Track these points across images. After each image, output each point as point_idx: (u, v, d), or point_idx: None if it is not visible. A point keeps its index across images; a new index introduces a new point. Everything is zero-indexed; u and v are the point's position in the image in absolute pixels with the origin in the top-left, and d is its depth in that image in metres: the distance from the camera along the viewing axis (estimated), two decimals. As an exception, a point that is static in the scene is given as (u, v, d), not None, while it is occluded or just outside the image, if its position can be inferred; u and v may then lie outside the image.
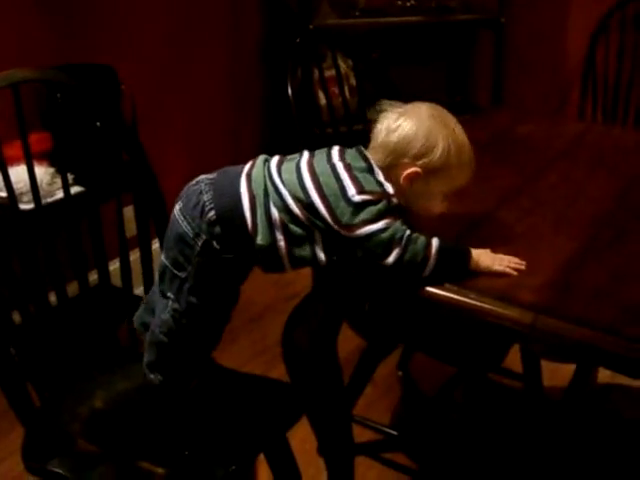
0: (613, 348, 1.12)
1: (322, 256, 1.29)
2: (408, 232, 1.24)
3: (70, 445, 1.41)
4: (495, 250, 1.29)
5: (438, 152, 1.28)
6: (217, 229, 1.29)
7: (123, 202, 1.66)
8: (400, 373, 2.41)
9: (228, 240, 1.30)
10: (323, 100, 2.19)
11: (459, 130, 1.32)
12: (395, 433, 2.14)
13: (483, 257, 1.26)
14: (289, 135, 1.95)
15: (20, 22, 2.30)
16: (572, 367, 2.25)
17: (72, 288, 1.59)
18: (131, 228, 1.64)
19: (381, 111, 1.33)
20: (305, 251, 1.29)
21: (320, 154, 1.34)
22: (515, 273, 1.25)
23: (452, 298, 1.21)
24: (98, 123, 2.10)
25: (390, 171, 1.29)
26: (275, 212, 1.28)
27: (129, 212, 1.63)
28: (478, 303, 1.19)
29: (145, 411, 1.49)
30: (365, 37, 2.60)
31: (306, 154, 1.35)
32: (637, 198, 1.61)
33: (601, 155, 1.88)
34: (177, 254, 1.36)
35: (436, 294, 1.22)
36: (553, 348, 1.33)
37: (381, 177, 1.28)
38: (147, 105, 2.49)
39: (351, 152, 1.33)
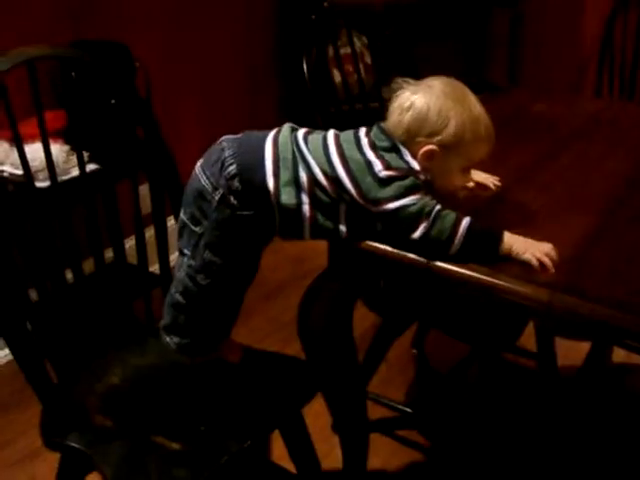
0: (629, 325, 1.11)
1: (344, 229, 1.29)
2: (438, 207, 1.23)
3: (87, 420, 1.42)
4: (511, 228, 1.29)
5: (452, 129, 1.27)
6: (236, 183, 1.29)
7: (138, 179, 1.67)
8: (414, 351, 2.41)
9: (246, 196, 1.29)
10: (338, 78, 2.18)
11: (474, 104, 1.31)
12: (409, 410, 2.15)
13: (516, 244, 1.23)
14: (305, 111, 1.94)
15: (33, 1, 2.29)
16: (587, 346, 2.24)
17: (88, 265, 1.60)
18: (145, 205, 1.64)
19: (395, 89, 1.33)
20: (328, 220, 1.29)
21: (347, 132, 1.34)
22: (549, 266, 1.19)
23: (468, 275, 1.20)
24: (113, 100, 2.10)
25: (408, 149, 1.29)
26: (304, 176, 1.28)
27: (144, 189, 1.64)
28: (494, 280, 1.18)
29: (161, 386, 1.50)
30: (380, 14, 2.58)
31: (333, 130, 1.35)
32: (654, 176, 1.60)
33: (618, 133, 1.86)
34: (195, 209, 1.36)
35: (451, 271, 1.22)
36: (569, 326, 1.33)
37: (408, 156, 1.28)
38: (161, 82, 2.49)
39: (375, 131, 1.32)
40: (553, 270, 1.19)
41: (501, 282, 1.18)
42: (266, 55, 3.19)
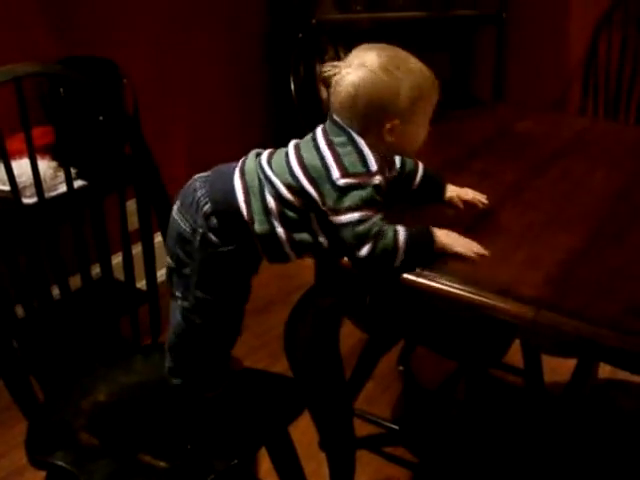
0: (614, 343, 1.12)
1: (323, 239, 1.29)
2: (382, 228, 1.23)
3: (73, 438, 1.41)
4: (497, 244, 1.30)
5: (403, 99, 1.26)
6: (213, 221, 1.30)
7: (126, 196, 1.67)
8: (401, 368, 2.41)
9: (225, 232, 1.30)
10: (325, 94, 2.19)
11: (410, 62, 1.30)
12: (396, 427, 2.15)
13: (445, 238, 1.26)
14: (292, 127, 1.95)
15: (21, 16, 2.29)
16: (573, 362, 2.25)
17: (74, 281, 1.60)
18: (133, 222, 1.64)
19: (328, 75, 1.32)
20: (304, 235, 1.29)
21: (307, 137, 1.33)
22: (476, 257, 1.26)
23: (453, 292, 1.21)
24: (100, 117, 2.10)
25: (368, 133, 1.28)
26: (271, 200, 1.28)
27: (131, 206, 1.64)
28: (480, 297, 1.19)
29: (147, 405, 1.49)
30: (367, 32, 2.60)
31: (294, 141, 1.34)
32: (638, 194, 1.62)
33: (603, 151, 1.88)
34: (179, 252, 1.37)
35: (438, 288, 1.22)
36: (554, 343, 1.33)
37: (363, 146, 1.27)
38: (149, 99, 2.49)
39: (329, 125, 1.31)
40: (486, 253, 1.26)
41: (486, 299, 1.19)
42: (254, 72, 3.20)
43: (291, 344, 1.44)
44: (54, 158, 2.09)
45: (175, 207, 1.37)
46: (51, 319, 1.55)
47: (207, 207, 1.30)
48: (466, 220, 1.43)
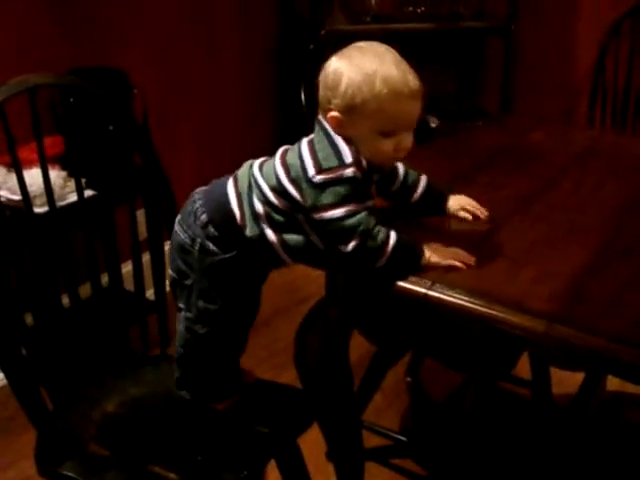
0: (625, 357, 1.11)
1: (315, 238, 1.28)
2: (371, 226, 1.22)
3: (82, 449, 1.41)
4: (507, 257, 1.30)
5: (341, 90, 1.22)
6: (211, 230, 1.31)
7: (135, 205, 1.67)
8: (409, 379, 2.41)
9: (224, 240, 1.31)
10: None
11: (370, 61, 1.22)
12: (404, 439, 2.14)
13: (434, 254, 1.26)
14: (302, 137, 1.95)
15: (32, 27, 2.30)
16: (581, 375, 2.24)
17: (84, 290, 1.60)
18: (142, 231, 1.64)
19: None
20: (296, 237, 1.29)
21: (298, 142, 1.32)
22: (463, 267, 1.25)
23: (464, 305, 1.21)
24: (111, 127, 2.11)
25: (325, 120, 1.26)
26: (258, 204, 1.28)
27: (140, 215, 1.64)
28: (490, 311, 1.19)
29: (157, 416, 1.49)
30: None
31: (283, 147, 1.34)
32: (649, 206, 1.62)
33: (612, 163, 1.87)
34: (180, 263, 1.38)
35: (448, 301, 1.22)
36: (565, 357, 1.33)
37: (338, 139, 1.24)
38: (159, 108, 2.50)
39: (316, 127, 1.29)
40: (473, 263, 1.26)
41: (497, 312, 1.19)
42: (264, 82, 3.21)
43: (301, 356, 1.44)
44: (63, 168, 2.09)
45: (177, 219, 1.39)
46: (61, 328, 1.55)
47: (204, 217, 1.32)
48: (475, 232, 1.43)
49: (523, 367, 2.08)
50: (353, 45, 1.27)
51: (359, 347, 1.74)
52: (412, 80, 1.23)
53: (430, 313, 1.30)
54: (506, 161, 1.83)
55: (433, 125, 3.18)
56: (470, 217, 1.44)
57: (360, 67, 1.22)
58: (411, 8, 3.23)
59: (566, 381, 2.24)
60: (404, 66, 1.24)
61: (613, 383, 2.29)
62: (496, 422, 2.28)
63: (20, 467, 2.03)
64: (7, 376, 1.41)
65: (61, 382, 1.53)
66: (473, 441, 2.20)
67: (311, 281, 2.65)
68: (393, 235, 1.23)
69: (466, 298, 1.20)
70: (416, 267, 1.25)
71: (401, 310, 1.51)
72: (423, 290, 1.23)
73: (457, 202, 1.46)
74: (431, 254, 1.25)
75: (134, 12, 2.61)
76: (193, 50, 2.86)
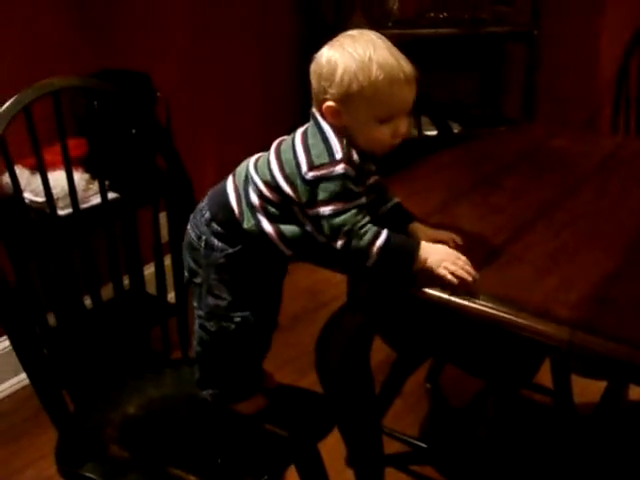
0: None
1: (310, 228, 1.27)
2: (358, 227, 1.20)
3: (103, 451, 1.41)
4: (531, 264, 1.28)
5: (337, 79, 1.20)
6: (214, 226, 1.33)
7: (158, 208, 1.67)
8: (429, 386, 2.40)
9: (228, 235, 1.32)
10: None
11: (363, 48, 1.20)
12: (424, 445, 2.13)
13: (431, 257, 1.22)
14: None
15: (57, 31, 2.32)
16: (603, 383, 2.22)
17: (105, 292, 1.61)
18: (164, 234, 1.65)
19: None
20: (292, 228, 1.28)
21: (290, 136, 1.31)
22: (455, 282, 1.20)
23: (488, 312, 1.20)
24: (133, 130, 2.12)
25: (319, 113, 1.25)
26: (254, 197, 1.29)
27: (162, 218, 1.65)
28: (514, 318, 1.18)
29: (177, 419, 1.50)
30: (398, 48, 2.60)
31: (278, 139, 1.33)
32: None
33: (637, 170, 1.86)
34: (190, 262, 1.39)
35: (471, 307, 1.21)
36: (588, 364, 1.32)
37: (330, 134, 1.23)
38: (181, 111, 2.51)
39: (310, 120, 1.29)
40: (471, 280, 1.20)
41: (521, 319, 1.18)
42: (286, 85, 3.21)
43: (322, 360, 1.44)
44: (86, 170, 2.10)
45: (190, 218, 1.40)
46: (82, 329, 1.55)
47: (207, 214, 1.34)
48: (498, 239, 1.42)
49: (544, 375, 2.06)
50: (343, 34, 1.25)
51: (379, 352, 1.73)
52: (406, 65, 1.22)
53: (452, 319, 1.29)
54: (529, 167, 1.82)
55: (456, 131, 3.17)
56: None
57: (354, 55, 1.20)
58: (433, 13, 3.22)
59: (588, 389, 2.22)
60: (396, 52, 1.23)
61: (636, 392, 2.27)
62: (516, 430, 2.27)
63: (39, 467, 2.04)
64: (29, 376, 1.42)
65: (82, 383, 1.53)
66: (493, 448, 2.19)
67: (331, 286, 2.66)
68: (383, 236, 1.21)
69: (490, 305, 1.20)
70: (408, 271, 1.23)
71: (422, 316, 1.51)
72: (446, 296, 1.22)
73: (423, 231, 1.35)
74: (428, 258, 1.22)
75: (157, 16, 2.62)
76: (215, 53, 2.87)
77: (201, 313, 1.40)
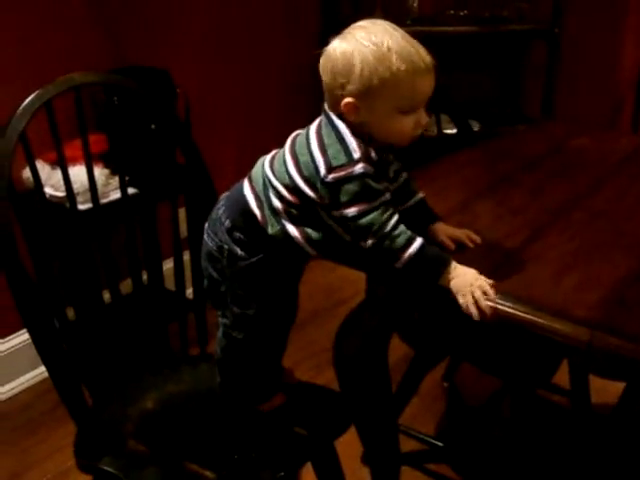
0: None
1: (340, 230, 1.25)
2: (389, 227, 1.18)
3: (121, 445, 1.42)
4: (550, 264, 1.27)
5: (356, 73, 1.16)
6: (236, 234, 1.30)
7: (177, 204, 1.68)
8: (446, 384, 2.39)
9: (250, 243, 1.30)
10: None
11: (379, 38, 1.16)
12: (441, 444, 2.13)
13: (457, 280, 1.19)
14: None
15: (78, 28, 2.33)
16: (621, 384, 2.21)
17: (124, 286, 1.62)
18: (183, 230, 1.65)
19: None
20: (318, 230, 1.26)
21: (304, 130, 1.28)
22: (474, 313, 1.18)
23: (507, 312, 1.19)
24: (153, 125, 2.13)
25: (336, 112, 1.21)
26: (276, 201, 1.26)
27: (181, 213, 1.65)
28: (534, 318, 1.17)
29: (195, 414, 1.50)
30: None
31: (293, 135, 1.30)
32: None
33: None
34: (212, 271, 1.38)
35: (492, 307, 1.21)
36: (608, 364, 1.31)
37: (345, 133, 1.19)
38: (201, 107, 2.51)
39: (322, 116, 1.25)
40: (488, 316, 1.17)
41: (541, 320, 1.17)
42: (306, 82, 3.20)
43: (340, 358, 1.44)
44: (105, 166, 2.11)
45: (205, 228, 1.38)
46: (101, 323, 1.56)
47: (227, 222, 1.31)
48: (517, 239, 1.41)
49: (562, 375, 2.05)
50: (353, 25, 1.21)
51: (396, 350, 1.73)
52: (425, 54, 1.18)
53: (470, 318, 1.28)
54: (550, 166, 1.81)
55: (476, 129, 3.16)
56: (452, 246, 1.32)
57: (371, 46, 1.15)
58: (453, 11, 3.21)
59: (606, 390, 2.20)
60: (412, 40, 1.18)
61: (654, 393, 2.25)
62: (533, 430, 2.26)
63: (58, 460, 2.05)
64: (48, 370, 1.42)
65: (100, 378, 1.54)
66: (510, 447, 2.18)
67: (349, 283, 2.65)
68: (416, 244, 1.19)
69: (509, 304, 1.19)
70: (430, 283, 1.21)
71: (440, 314, 1.50)
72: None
73: (443, 229, 1.34)
74: (455, 279, 1.19)
75: (178, 12, 2.63)
76: (236, 50, 2.87)
77: (226, 322, 1.39)
